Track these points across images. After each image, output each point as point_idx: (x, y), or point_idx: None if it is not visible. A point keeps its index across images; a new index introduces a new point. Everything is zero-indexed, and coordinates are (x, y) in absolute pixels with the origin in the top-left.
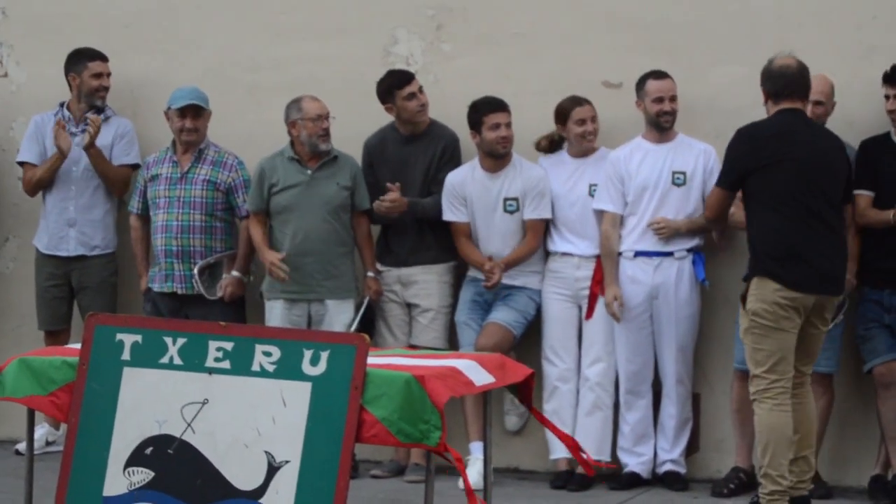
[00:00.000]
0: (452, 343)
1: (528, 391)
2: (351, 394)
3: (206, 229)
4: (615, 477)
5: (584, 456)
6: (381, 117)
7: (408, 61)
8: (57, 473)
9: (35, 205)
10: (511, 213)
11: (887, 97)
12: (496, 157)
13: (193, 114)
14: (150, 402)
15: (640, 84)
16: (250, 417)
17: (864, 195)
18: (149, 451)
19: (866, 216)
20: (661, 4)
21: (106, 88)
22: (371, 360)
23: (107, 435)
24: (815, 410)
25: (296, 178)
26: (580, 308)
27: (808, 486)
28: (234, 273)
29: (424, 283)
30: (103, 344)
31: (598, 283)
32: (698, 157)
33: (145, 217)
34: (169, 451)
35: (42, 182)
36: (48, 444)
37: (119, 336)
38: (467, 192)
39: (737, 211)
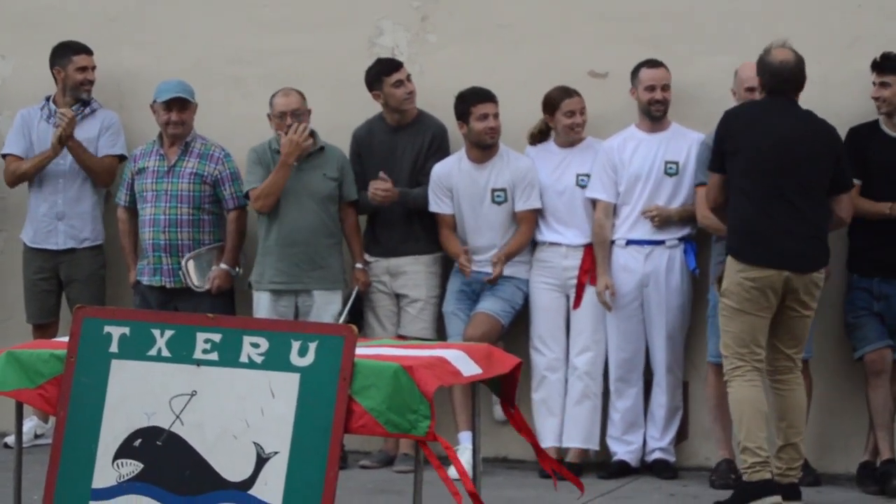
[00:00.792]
0: (440, 333)
1: (513, 382)
2: (339, 385)
3: (193, 222)
4: (604, 465)
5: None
6: (366, 108)
7: (393, 53)
8: (46, 466)
9: (22, 198)
10: (499, 203)
11: (875, 84)
12: (484, 148)
13: (179, 107)
14: (139, 394)
15: (635, 72)
16: (239, 409)
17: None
18: (137, 443)
19: (856, 205)
20: None
21: (91, 82)
22: (359, 350)
23: (95, 427)
24: (805, 399)
25: None
26: (568, 297)
27: (797, 473)
28: (223, 266)
29: (412, 274)
30: (91, 336)
31: (586, 273)
32: (691, 146)
33: (133, 209)
34: (158, 443)
35: (26, 176)
36: (37, 437)
37: (107, 328)
38: (454, 184)
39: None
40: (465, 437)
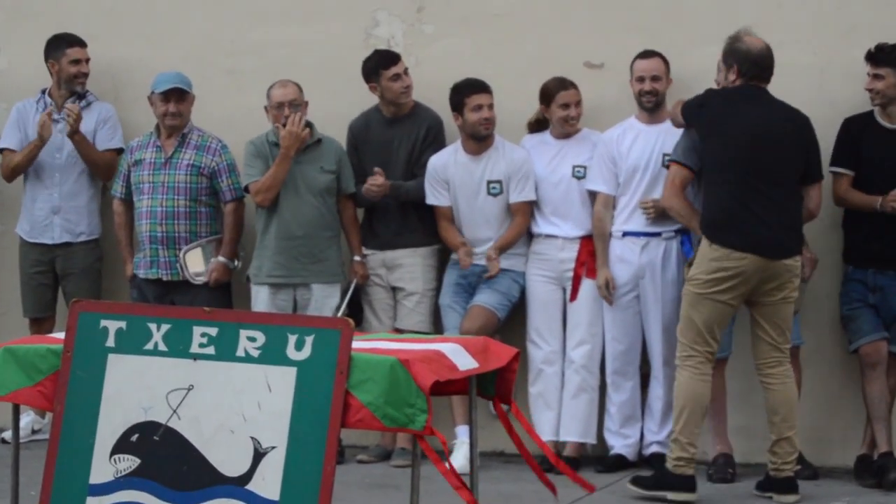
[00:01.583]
0: (437, 326)
1: (511, 375)
2: (336, 378)
3: (190, 214)
4: (601, 459)
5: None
6: (362, 100)
7: (389, 44)
8: (43, 461)
9: (18, 192)
10: (495, 195)
11: (869, 75)
12: (479, 139)
13: (177, 98)
14: (136, 388)
15: (632, 64)
16: (235, 403)
17: (844, 174)
18: (134, 437)
19: (848, 197)
20: None
21: (85, 74)
22: (356, 344)
23: (92, 422)
24: (796, 392)
25: None
26: (564, 290)
27: (792, 467)
28: (221, 258)
29: (409, 267)
30: (88, 331)
31: (583, 265)
32: None
33: (129, 202)
34: (155, 437)
35: (19, 168)
36: (34, 432)
37: (103, 322)
38: (449, 175)
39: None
40: (462, 431)
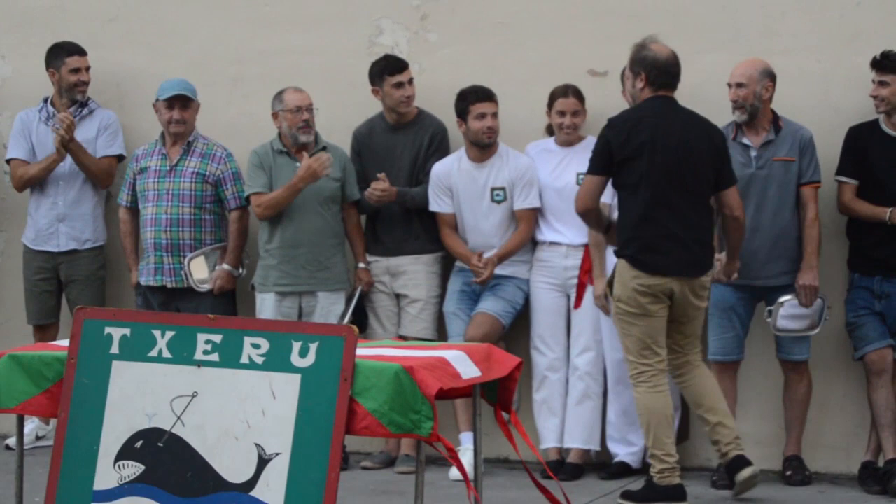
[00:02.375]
0: (441, 333)
1: (512, 384)
2: (340, 385)
3: (195, 222)
4: (605, 466)
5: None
6: (366, 107)
7: (393, 51)
8: (47, 468)
9: (22, 199)
10: (498, 202)
11: (874, 82)
12: (481, 147)
13: (181, 105)
14: (140, 395)
15: (622, 75)
16: (240, 410)
17: (848, 183)
18: (139, 444)
19: (854, 207)
20: None
21: (85, 83)
22: (360, 351)
23: (96, 429)
24: (712, 379)
25: (286, 169)
26: (569, 297)
27: (736, 444)
28: (225, 266)
29: (413, 274)
30: (92, 338)
31: (587, 273)
32: None
33: (134, 210)
34: (159, 444)
35: (34, 180)
36: (38, 438)
37: (108, 330)
38: (453, 183)
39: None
40: (466, 438)
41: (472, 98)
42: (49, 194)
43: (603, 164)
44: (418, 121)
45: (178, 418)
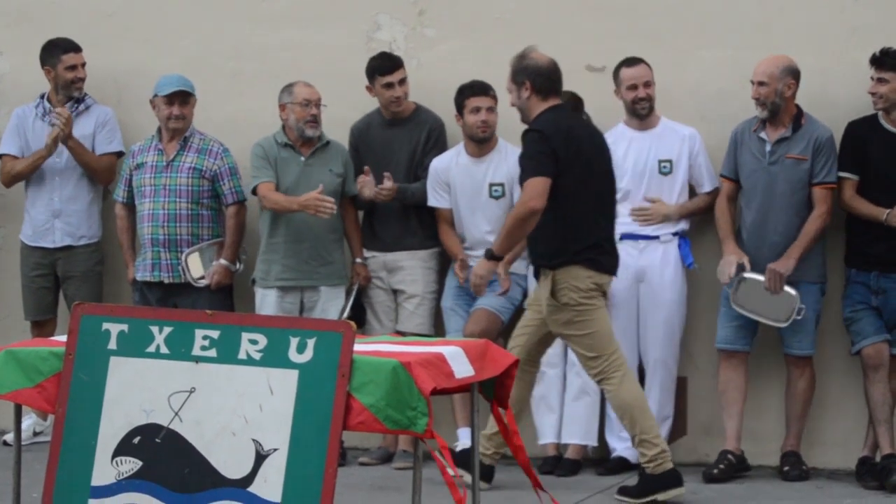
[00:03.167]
0: (438, 329)
1: (509, 381)
2: (338, 381)
3: (192, 217)
4: (603, 462)
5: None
6: (364, 103)
7: (390, 47)
8: (45, 464)
9: (20, 196)
10: (496, 198)
11: (873, 79)
12: (478, 142)
13: (181, 100)
14: (137, 391)
15: (616, 73)
16: (237, 406)
17: (849, 179)
18: (136, 440)
19: (854, 205)
20: None
21: (81, 80)
22: (357, 346)
23: (94, 425)
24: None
25: (290, 164)
26: None
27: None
28: (222, 261)
29: (410, 269)
30: (90, 333)
31: None
32: (683, 142)
33: (131, 206)
34: (156, 440)
35: (21, 176)
36: (35, 434)
37: (105, 325)
38: (451, 178)
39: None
40: (464, 434)
41: (468, 92)
42: (45, 190)
43: (551, 167)
44: (415, 116)
45: (176, 414)
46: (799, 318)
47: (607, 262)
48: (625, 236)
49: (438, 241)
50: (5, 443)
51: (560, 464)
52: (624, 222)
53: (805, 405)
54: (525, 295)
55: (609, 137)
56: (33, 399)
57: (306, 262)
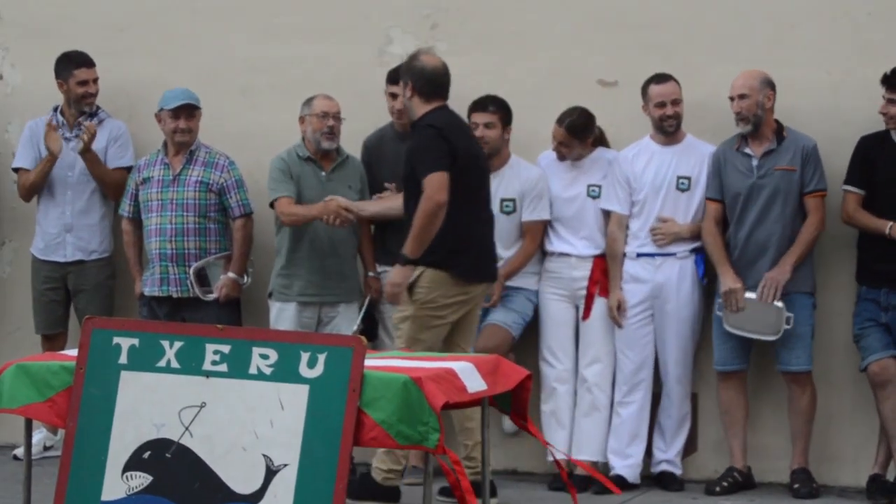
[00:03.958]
0: None
1: (524, 393)
2: (349, 396)
3: (199, 231)
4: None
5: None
6: (376, 117)
7: (403, 61)
8: (55, 478)
9: (32, 209)
10: (508, 213)
11: (884, 98)
12: None
13: (187, 114)
14: (148, 405)
15: (644, 88)
16: (248, 421)
17: (854, 193)
18: (147, 455)
19: (857, 218)
20: (656, 3)
21: (93, 95)
22: (368, 362)
23: (105, 439)
24: None
25: (312, 178)
26: (577, 308)
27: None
28: (231, 275)
29: None
30: (100, 348)
31: (595, 284)
32: (705, 160)
33: (137, 220)
34: (167, 455)
35: (35, 186)
36: (46, 448)
37: (116, 340)
38: None
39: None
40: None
41: (472, 108)
42: (57, 204)
43: (448, 161)
44: None
45: (187, 429)
46: (788, 327)
47: (466, 269)
48: (641, 254)
49: None
50: (16, 457)
51: (570, 480)
52: (640, 242)
53: (809, 421)
54: (535, 310)
55: (633, 149)
56: (44, 413)
57: (329, 277)
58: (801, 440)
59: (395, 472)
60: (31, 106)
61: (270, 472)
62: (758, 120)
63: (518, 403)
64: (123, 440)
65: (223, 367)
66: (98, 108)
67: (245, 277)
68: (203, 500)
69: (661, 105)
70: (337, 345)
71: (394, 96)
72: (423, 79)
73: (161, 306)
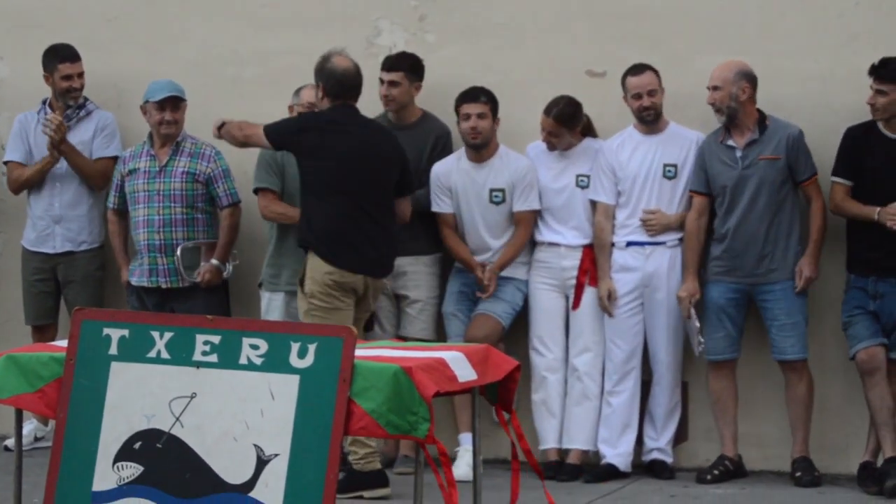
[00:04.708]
0: (440, 334)
1: (512, 385)
2: (339, 386)
3: (187, 221)
4: (591, 468)
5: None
6: (364, 109)
7: (391, 52)
8: (46, 469)
9: (21, 201)
10: (497, 203)
11: (872, 89)
12: (473, 148)
13: (172, 106)
14: (139, 396)
15: (623, 80)
16: (238, 411)
17: (841, 184)
18: (137, 445)
19: (844, 206)
20: None
21: (77, 89)
22: (358, 352)
23: (95, 430)
24: None
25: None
26: (567, 298)
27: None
28: (213, 261)
29: (413, 275)
30: (90, 339)
31: (585, 273)
32: (690, 147)
33: (122, 211)
34: (157, 445)
35: (30, 182)
36: (37, 439)
37: (106, 331)
38: (452, 183)
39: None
40: (465, 439)
41: (460, 99)
42: (45, 196)
43: (286, 137)
44: (422, 123)
45: (177, 419)
46: (700, 349)
47: (345, 260)
48: (630, 243)
49: (441, 247)
50: (6, 448)
51: (562, 469)
52: (628, 231)
53: (808, 409)
54: (525, 300)
55: (617, 139)
56: (34, 404)
57: None
58: (801, 429)
59: (370, 454)
60: (19, 98)
61: (261, 462)
62: (732, 111)
63: (504, 394)
64: (114, 431)
65: (213, 358)
66: (86, 99)
67: (227, 265)
68: (194, 491)
69: (638, 97)
70: (327, 335)
71: (381, 82)
72: (332, 80)
73: (150, 296)
